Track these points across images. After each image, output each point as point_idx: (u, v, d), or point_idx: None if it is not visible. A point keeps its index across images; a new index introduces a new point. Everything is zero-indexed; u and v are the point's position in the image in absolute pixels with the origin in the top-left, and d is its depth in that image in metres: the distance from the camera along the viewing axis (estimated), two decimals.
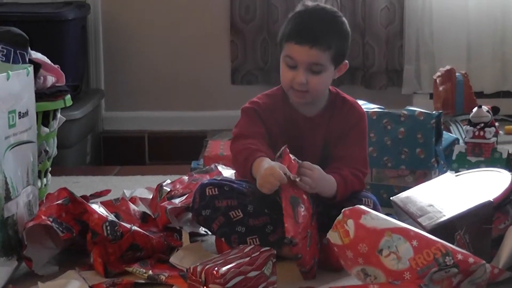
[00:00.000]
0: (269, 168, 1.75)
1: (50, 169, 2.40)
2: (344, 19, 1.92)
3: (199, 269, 1.59)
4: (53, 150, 2.38)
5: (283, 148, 1.80)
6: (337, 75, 1.93)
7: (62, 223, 1.82)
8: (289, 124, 1.93)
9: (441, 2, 3.53)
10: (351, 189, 1.86)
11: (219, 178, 1.95)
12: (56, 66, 2.39)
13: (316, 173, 1.81)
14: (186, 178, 2.14)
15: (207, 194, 1.87)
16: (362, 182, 1.91)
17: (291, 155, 1.79)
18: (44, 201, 1.95)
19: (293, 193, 1.75)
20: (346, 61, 1.93)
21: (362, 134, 1.95)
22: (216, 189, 1.87)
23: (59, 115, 2.40)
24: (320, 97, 1.93)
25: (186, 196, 2.01)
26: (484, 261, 1.63)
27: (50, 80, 2.35)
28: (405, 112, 2.27)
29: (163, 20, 3.62)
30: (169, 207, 1.96)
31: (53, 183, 2.40)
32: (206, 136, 3.42)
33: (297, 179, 1.75)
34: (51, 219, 1.80)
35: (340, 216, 1.66)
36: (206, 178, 2.06)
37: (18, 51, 2.29)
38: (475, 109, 2.45)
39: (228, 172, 2.14)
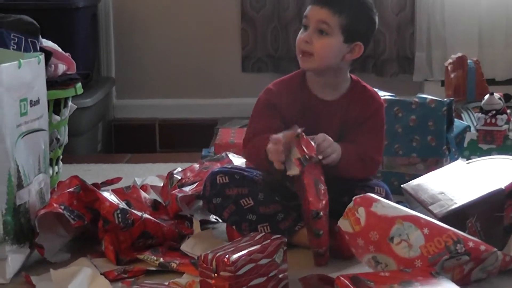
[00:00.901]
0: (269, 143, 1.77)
1: (61, 157, 2.41)
2: (375, 11, 1.90)
3: (210, 256, 1.59)
4: (64, 138, 2.39)
5: (299, 131, 1.77)
6: (349, 56, 1.88)
7: (73, 211, 1.82)
8: (306, 108, 1.91)
9: None
10: (353, 164, 1.85)
11: (229, 166, 1.95)
12: (67, 54, 2.39)
13: (328, 139, 1.81)
14: (197, 166, 2.14)
15: (218, 182, 1.87)
16: (367, 166, 1.88)
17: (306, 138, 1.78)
18: (56, 189, 1.96)
19: (315, 176, 1.76)
20: (361, 43, 1.88)
21: (379, 125, 1.92)
22: (226, 177, 1.87)
23: (70, 103, 2.40)
24: (325, 66, 1.87)
25: (196, 184, 2.01)
26: (495, 249, 1.62)
27: (61, 68, 2.35)
28: (416, 99, 2.26)
29: (173, 7, 3.61)
30: (179, 195, 1.96)
31: (65, 171, 2.41)
32: (217, 123, 3.41)
33: (320, 157, 1.76)
34: (62, 207, 1.81)
35: (351, 204, 1.66)
36: (216, 166, 2.06)
37: (29, 40, 2.29)
38: (486, 96, 2.44)
39: (238, 161, 2.14)
